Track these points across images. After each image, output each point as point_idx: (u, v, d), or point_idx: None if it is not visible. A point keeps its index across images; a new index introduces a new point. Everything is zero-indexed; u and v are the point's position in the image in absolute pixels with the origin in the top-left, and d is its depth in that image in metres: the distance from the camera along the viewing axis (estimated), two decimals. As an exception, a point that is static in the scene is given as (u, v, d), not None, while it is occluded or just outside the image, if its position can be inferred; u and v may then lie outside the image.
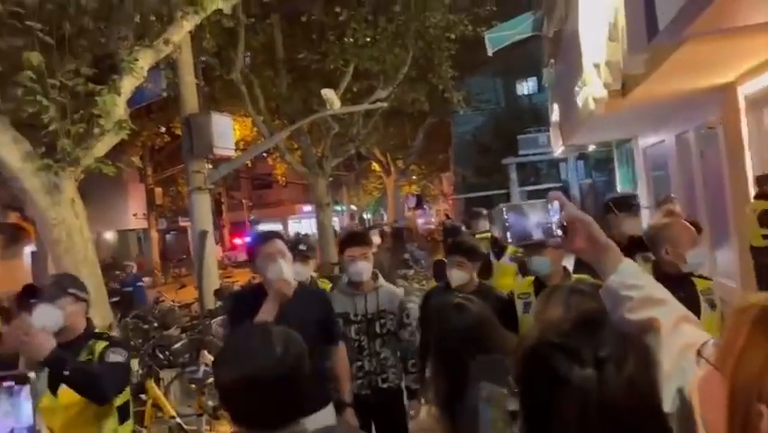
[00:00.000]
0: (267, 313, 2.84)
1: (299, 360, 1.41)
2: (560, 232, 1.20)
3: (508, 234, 1.23)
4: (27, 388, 0.91)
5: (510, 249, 5.41)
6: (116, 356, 2.64)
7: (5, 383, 0.91)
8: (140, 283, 12.78)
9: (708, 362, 0.89)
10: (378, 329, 3.57)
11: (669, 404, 1.08)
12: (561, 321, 1.03)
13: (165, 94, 9.12)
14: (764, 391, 0.78)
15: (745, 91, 7.15)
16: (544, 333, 1.01)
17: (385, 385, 3.57)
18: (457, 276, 3.50)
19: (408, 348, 3.62)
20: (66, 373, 2.43)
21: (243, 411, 1.38)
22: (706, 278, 2.90)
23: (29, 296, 3.50)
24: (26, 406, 0.91)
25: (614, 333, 0.99)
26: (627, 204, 3.93)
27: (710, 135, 8.72)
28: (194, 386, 5.58)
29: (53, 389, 2.55)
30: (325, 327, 3.11)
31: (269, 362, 1.36)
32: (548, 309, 1.69)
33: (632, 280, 1.18)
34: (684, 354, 1.10)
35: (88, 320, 2.81)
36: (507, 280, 5.12)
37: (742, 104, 7.26)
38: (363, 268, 3.51)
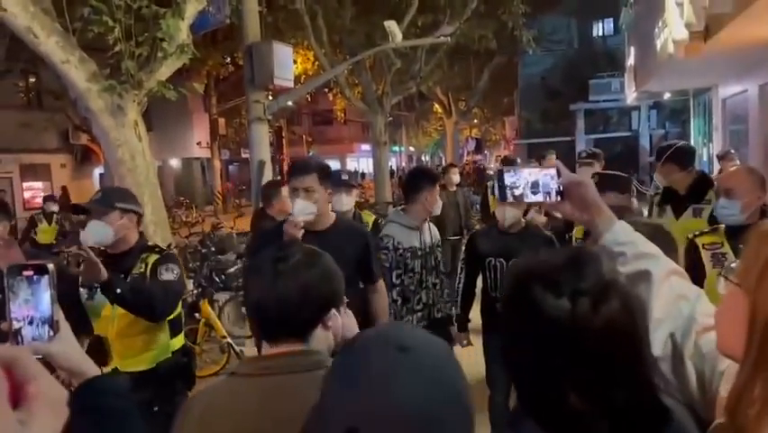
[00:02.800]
0: None
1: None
2: (556, 196, 1.29)
3: (507, 193, 1.31)
4: (47, 278, 0.93)
5: None
6: (168, 274, 2.71)
7: (26, 273, 0.92)
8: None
9: (731, 280, 0.94)
10: (433, 262, 3.66)
11: (659, 348, 1.18)
12: (554, 256, 1.02)
13: (228, 21, 9.06)
14: None
15: None
16: (532, 264, 1.02)
17: (439, 315, 3.68)
18: (510, 215, 3.53)
19: (444, 280, 3.78)
20: (118, 292, 2.53)
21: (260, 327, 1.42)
22: None
23: (78, 212, 3.62)
24: (45, 296, 0.93)
25: (600, 273, 0.97)
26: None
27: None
28: (245, 310, 5.78)
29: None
30: (363, 264, 3.00)
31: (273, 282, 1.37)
32: None
33: (625, 237, 1.27)
34: (676, 302, 1.20)
35: (141, 234, 2.90)
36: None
37: (840, 52, 6.64)
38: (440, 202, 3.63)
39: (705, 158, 13.92)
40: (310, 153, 36.82)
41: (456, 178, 7.45)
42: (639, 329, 0.97)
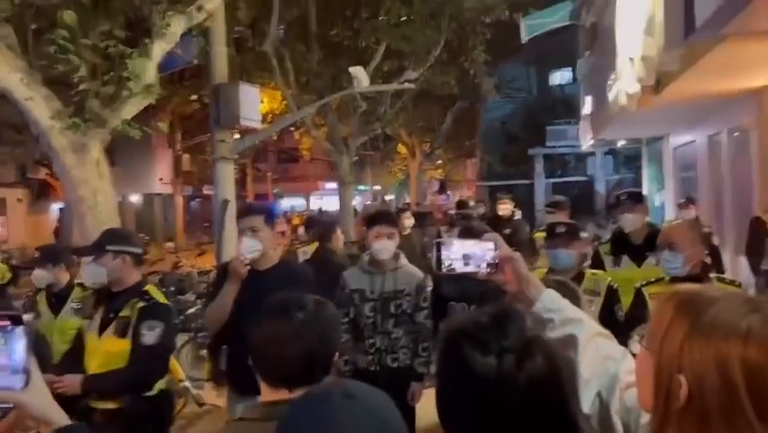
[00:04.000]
0: (226, 291, 2.89)
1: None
2: (488, 268, 1.42)
3: (443, 264, 1.43)
4: (21, 328, 0.95)
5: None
6: (150, 335, 2.71)
7: (0, 322, 0.95)
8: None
9: (641, 343, 1.02)
10: (392, 309, 3.59)
11: (588, 406, 1.27)
12: (481, 314, 1.09)
13: (196, 61, 9.16)
14: (682, 364, 0.91)
15: (782, 95, 6.97)
16: (462, 323, 1.09)
17: (394, 364, 3.60)
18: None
19: (422, 331, 3.63)
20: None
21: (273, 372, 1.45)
22: (735, 284, 2.87)
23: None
24: (19, 345, 0.95)
25: (524, 331, 1.05)
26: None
27: (743, 139, 8.52)
28: (204, 352, 5.70)
29: (100, 332, 2.78)
30: None
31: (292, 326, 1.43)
32: None
33: (552, 305, 1.39)
34: (603, 362, 1.30)
35: (144, 275, 3.03)
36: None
37: (778, 108, 7.07)
38: (387, 247, 3.55)
39: (657, 203, 14.43)
40: (274, 191, 36.73)
41: (409, 222, 7.40)
42: (564, 384, 1.04)
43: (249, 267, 2.93)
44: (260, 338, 1.46)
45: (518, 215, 8.44)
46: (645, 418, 1.16)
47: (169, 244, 23.75)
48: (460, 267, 1.43)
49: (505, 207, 8.03)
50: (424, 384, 3.66)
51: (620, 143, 17.02)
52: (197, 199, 32.71)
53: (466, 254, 1.42)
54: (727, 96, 7.51)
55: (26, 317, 0.98)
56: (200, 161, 26.24)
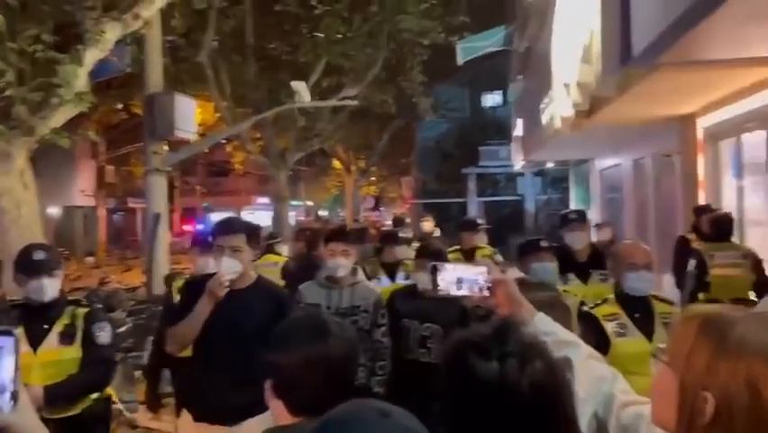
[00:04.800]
0: (200, 309, 2.73)
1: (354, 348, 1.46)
2: (483, 291, 1.46)
3: (438, 289, 1.48)
4: (11, 340, 0.86)
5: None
6: (104, 335, 2.89)
7: None
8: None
9: (663, 361, 1.05)
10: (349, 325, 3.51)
11: (585, 425, 1.31)
12: (483, 327, 1.15)
13: (129, 70, 8.81)
14: (709, 382, 0.95)
15: (703, 123, 7.40)
16: (465, 334, 1.15)
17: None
18: (425, 280, 3.52)
19: (379, 348, 3.55)
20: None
21: (304, 396, 1.37)
22: (668, 301, 2.96)
23: None
24: (8, 360, 0.86)
25: (523, 338, 1.11)
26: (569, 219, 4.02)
27: (667, 163, 9.00)
28: (137, 373, 5.40)
29: (34, 346, 2.74)
30: (273, 323, 2.93)
31: (331, 342, 1.40)
32: None
33: (545, 328, 1.43)
34: (597, 383, 1.35)
35: (66, 292, 3.10)
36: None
37: (700, 135, 7.51)
38: (341, 264, 3.49)
39: (585, 223, 15.04)
40: (204, 205, 35.76)
41: None
42: (563, 387, 1.09)
43: (227, 288, 2.77)
44: (293, 363, 1.38)
45: (437, 232, 8.97)
46: None
47: (89, 259, 22.61)
48: (454, 290, 1.47)
49: (428, 225, 8.72)
50: None
51: (549, 165, 17.66)
52: (121, 213, 31.40)
53: (460, 278, 1.47)
54: (655, 121, 7.92)
55: (16, 330, 0.88)
56: (125, 173, 25.24)
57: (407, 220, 11.28)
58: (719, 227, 5.27)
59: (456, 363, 1.11)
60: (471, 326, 1.18)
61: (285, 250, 7.19)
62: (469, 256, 5.53)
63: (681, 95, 6.42)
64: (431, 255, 3.51)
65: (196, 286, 2.89)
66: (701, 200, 7.37)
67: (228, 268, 2.75)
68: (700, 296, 4.94)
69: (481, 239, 6.24)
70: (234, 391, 2.58)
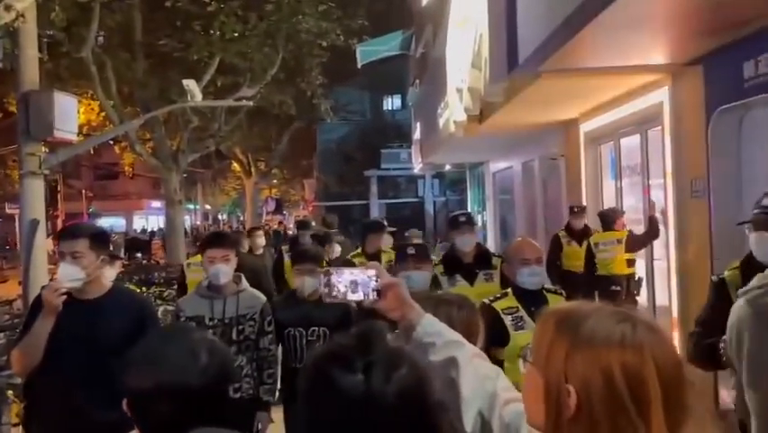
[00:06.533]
0: (41, 323, 2.52)
1: (224, 369, 1.38)
2: (374, 295, 1.45)
3: (334, 291, 1.46)
4: None
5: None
6: None
7: None
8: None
9: (527, 360, 1.08)
10: (235, 336, 3.37)
11: (470, 425, 1.33)
12: (343, 337, 1.08)
13: (1, 65, 8.12)
14: (569, 374, 0.98)
15: (585, 128, 7.88)
16: (328, 346, 1.08)
17: (237, 395, 3.35)
18: (309, 284, 3.51)
19: (266, 357, 3.46)
20: None
21: (156, 422, 1.27)
22: (559, 293, 3.10)
23: None
24: None
25: (386, 344, 1.05)
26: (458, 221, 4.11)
27: (553, 165, 9.50)
28: (11, 392, 4.97)
29: None
30: (138, 334, 2.79)
31: (195, 370, 1.30)
32: None
33: (432, 329, 1.45)
34: (482, 382, 1.37)
35: None
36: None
37: (582, 139, 7.98)
38: (221, 270, 3.34)
39: (480, 223, 15.58)
40: (90, 210, 33.66)
41: (262, 240, 7.30)
42: (431, 396, 1.03)
43: (65, 297, 2.52)
44: (146, 388, 1.29)
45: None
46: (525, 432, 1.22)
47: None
48: (348, 295, 1.47)
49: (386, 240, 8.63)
50: (270, 415, 3.50)
51: (447, 167, 18.15)
52: (-5, 219, 28.92)
53: (353, 282, 1.46)
54: (541, 126, 8.34)
55: None
56: (0, 177, 23.26)
57: (313, 223, 11.19)
58: (603, 220, 6.47)
59: (317, 381, 1.03)
60: (339, 334, 1.10)
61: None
62: (373, 259, 5.42)
63: (564, 101, 6.80)
64: (311, 260, 3.51)
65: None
66: (584, 201, 7.84)
67: (66, 275, 2.53)
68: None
69: (386, 241, 6.15)
70: (96, 409, 2.41)
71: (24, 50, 7.52)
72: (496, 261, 3.86)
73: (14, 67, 7.73)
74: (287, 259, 6.19)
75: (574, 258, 6.81)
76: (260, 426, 3.41)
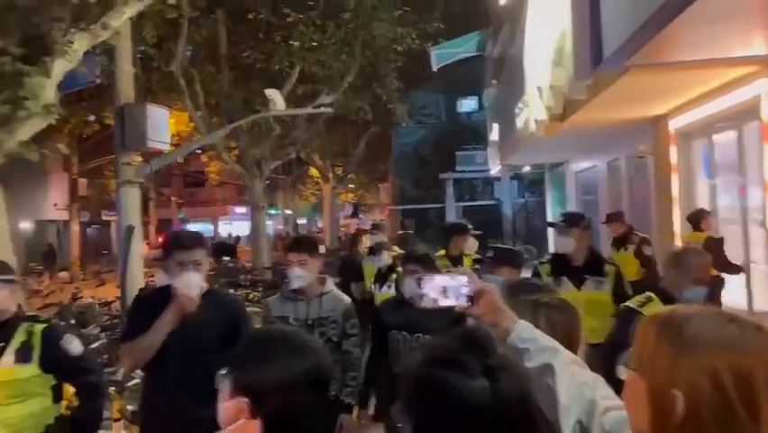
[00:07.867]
0: (165, 324, 2.69)
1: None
2: (467, 301, 1.46)
3: (422, 300, 1.49)
4: None
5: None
6: (74, 345, 2.81)
7: None
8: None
9: (629, 367, 1.05)
10: (317, 337, 3.41)
11: (569, 432, 1.30)
12: (447, 341, 1.04)
13: (99, 81, 8.68)
14: (675, 380, 0.96)
15: (675, 124, 7.51)
16: (430, 352, 1.04)
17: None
18: (413, 286, 3.49)
19: (349, 359, 3.48)
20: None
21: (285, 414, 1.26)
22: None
23: None
24: None
25: (496, 347, 1.03)
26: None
27: (640, 164, 9.11)
28: (112, 389, 5.27)
29: None
30: (236, 334, 2.85)
31: (328, 362, 1.36)
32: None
33: (527, 334, 1.43)
34: (579, 389, 1.34)
35: (19, 305, 2.90)
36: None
37: (672, 136, 7.61)
38: (297, 274, 3.41)
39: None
40: (180, 216, 35.38)
41: (366, 242, 7.17)
42: (537, 401, 1.04)
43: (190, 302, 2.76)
44: (278, 381, 1.29)
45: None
46: None
47: (63, 274, 22.17)
48: (440, 300, 1.48)
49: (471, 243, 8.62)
50: (352, 417, 3.53)
51: (525, 169, 17.77)
52: (95, 226, 30.89)
53: (444, 288, 1.47)
54: (627, 123, 8.01)
55: None
56: (99, 186, 24.84)
57: (385, 225, 11.23)
58: (690, 222, 6.35)
59: (428, 390, 0.97)
60: (435, 338, 1.05)
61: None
62: (456, 262, 5.25)
63: (651, 97, 6.51)
64: (417, 261, 3.48)
65: (147, 301, 2.87)
66: (674, 200, 7.47)
67: (193, 283, 2.71)
68: None
69: (471, 245, 5.84)
70: (196, 407, 2.52)
71: (120, 66, 8.01)
72: (609, 268, 3.70)
73: (111, 82, 8.25)
74: (368, 262, 6.31)
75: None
76: (342, 428, 3.43)
